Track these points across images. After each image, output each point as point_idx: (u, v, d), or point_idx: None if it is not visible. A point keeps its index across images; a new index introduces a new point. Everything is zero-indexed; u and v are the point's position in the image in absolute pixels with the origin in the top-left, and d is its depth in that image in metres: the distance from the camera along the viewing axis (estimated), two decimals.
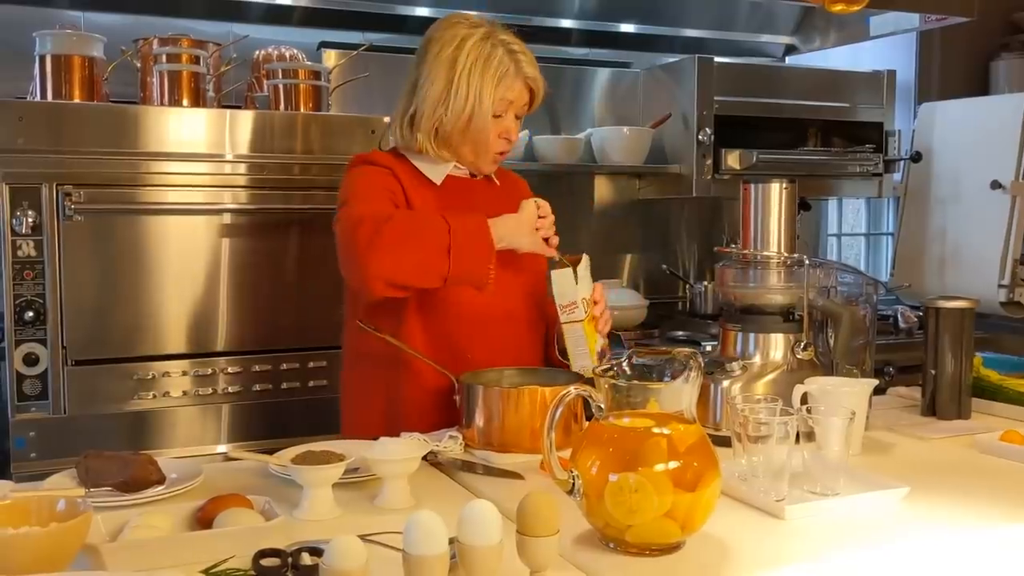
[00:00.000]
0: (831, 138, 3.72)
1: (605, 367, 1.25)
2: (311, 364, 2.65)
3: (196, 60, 2.54)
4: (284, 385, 2.61)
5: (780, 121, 3.53)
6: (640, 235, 3.70)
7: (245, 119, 2.52)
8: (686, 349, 1.25)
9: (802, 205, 3.94)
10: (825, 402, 1.59)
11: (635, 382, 1.22)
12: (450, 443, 1.65)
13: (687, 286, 3.62)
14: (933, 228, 3.69)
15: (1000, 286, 3.46)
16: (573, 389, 1.22)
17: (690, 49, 3.73)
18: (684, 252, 3.79)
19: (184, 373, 2.48)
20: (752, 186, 1.77)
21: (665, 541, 1.21)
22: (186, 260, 2.49)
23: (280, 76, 2.65)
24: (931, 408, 1.94)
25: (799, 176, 3.61)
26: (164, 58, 2.52)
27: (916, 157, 3.65)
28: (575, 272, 1.77)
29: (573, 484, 1.21)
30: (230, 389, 2.54)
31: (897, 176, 3.77)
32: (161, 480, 1.44)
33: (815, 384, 1.66)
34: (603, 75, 3.61)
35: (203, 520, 1.27)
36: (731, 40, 3.88)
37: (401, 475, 1.40)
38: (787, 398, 1.57)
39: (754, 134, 3.43)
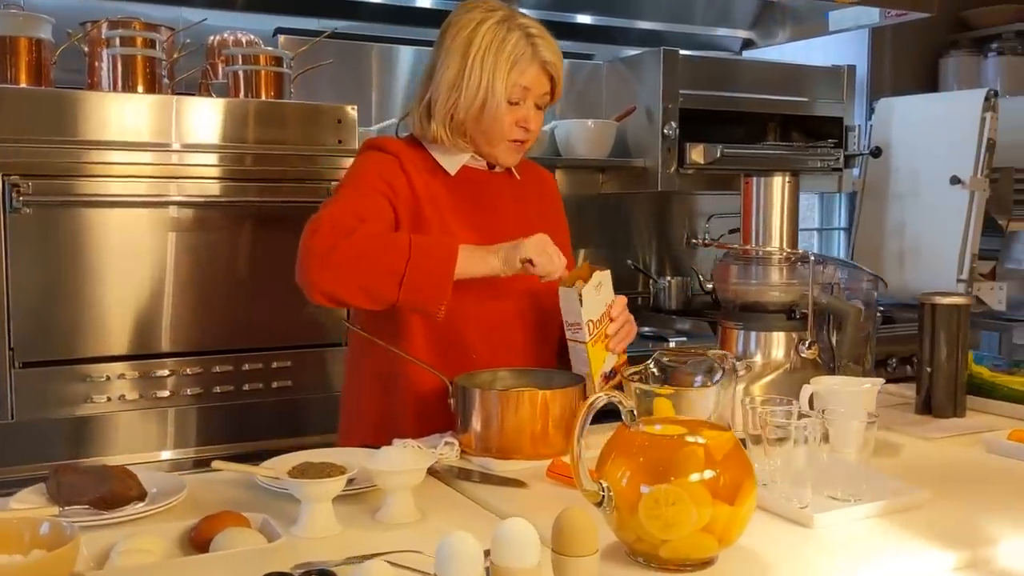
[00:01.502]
0: (790, 133, 3.70)
1: (633, 371, 1.17)
2: (274, 364, 2.52)
3: (152, 44, 2.40)
4: (246, 387, 2.48)
5: (739, 115, 3.50)
6: (601, 229, 3.64)
7: (205, 107, 2.38)
8: (717, 351, 1.18)
9: None
10: (833, 402, 1.54)
11: (674, 388, 1.15)
12: (446, 450, 1.56)
13: (651, 281, 3.57)
14: (891, 223, 3.69)
15: (959, 281, 3.48)
16: (604, 395, 1.14)
17: (646, 41, 3.67)
18: (644, 247, 3.74)
19: (141, 375, 2.34)
20: (754, 179, 1.72)
21: (701, 556, 1.13)
22: (144, 255, 2.35)
23: (240, 62, 2.52)
24: (927, 406, 1.90)
25: (760, 170, 3.64)
26: (118, 42, 2.37)
27: (876, 152, 3.65)
28: (580, 294, 1.65)
29: (603, 496, 1.13)
30: (188, 392, 2.41)
31: (855, 171, 3.76)
32: (142, 496, 1.32)
33: (821, 384, 1.61)
34: (564, 66, 3.52)
35: (197, 542, 1.16)
36: (688, 33, 3.84)
37: (406, 487, 1.31)
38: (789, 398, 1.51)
39: (712, 128, 3.39)
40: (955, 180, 3.47)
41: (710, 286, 3.63)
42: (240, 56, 2.53)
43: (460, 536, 0.96)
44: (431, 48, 1.88)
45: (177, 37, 2.62)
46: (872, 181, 3.76)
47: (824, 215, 4.49)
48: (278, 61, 2.55)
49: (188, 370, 2.40)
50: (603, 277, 1.70)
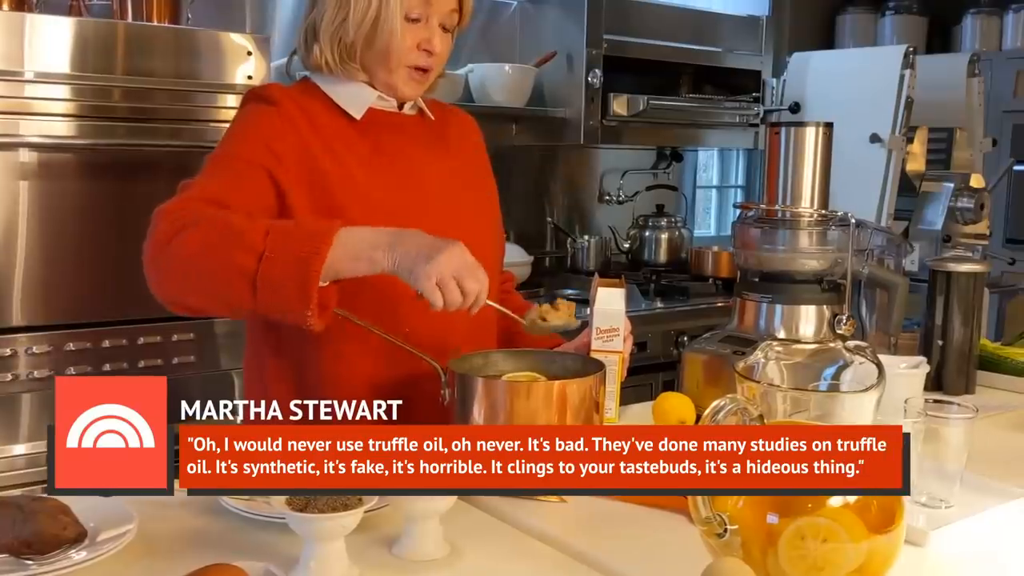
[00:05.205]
0: (702, 85, 3.53)
1: (748, 363, 0.93)
2: (141, 340, 2.16)
3: None
4: (107, 367, 2.12)
5: (654, 64, 3.29)
6: (509, 184, 3.36)
7: (66, 28, 1.98)
8: (852, 342, 0.94)
9: (674, 156, 3.76)
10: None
11: (821, 391, 0.91)
12: None
13: (569, 241, 3.34)
14: None
15: None
16: (728, 401, 0.89)
17: None
18: (554, 203, 3.50)
19: None
20: (783, 130, 1.49)
21: None
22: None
23: None
24: (937, 383, 1.74)
25: (676, 125, 3.46)
26: None
27: (794, 108, 3.52)
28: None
29: (725, 530, 0.88)
30: (35, 374, 2.03)
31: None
32: (80, 536, 0.99)
33: None
34: (476, 6, 3.22)
35: None
36: None
37: (435, 515, 1.03)
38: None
39: (624, 78, 3.17)
40: (875, 138, 3.38)
41: (627, 245, 3.44)
42: None
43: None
44: None
45: None
46: None
47: (723, 172, 4.37)
48: None
49: (34, 348, 2.03)
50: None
